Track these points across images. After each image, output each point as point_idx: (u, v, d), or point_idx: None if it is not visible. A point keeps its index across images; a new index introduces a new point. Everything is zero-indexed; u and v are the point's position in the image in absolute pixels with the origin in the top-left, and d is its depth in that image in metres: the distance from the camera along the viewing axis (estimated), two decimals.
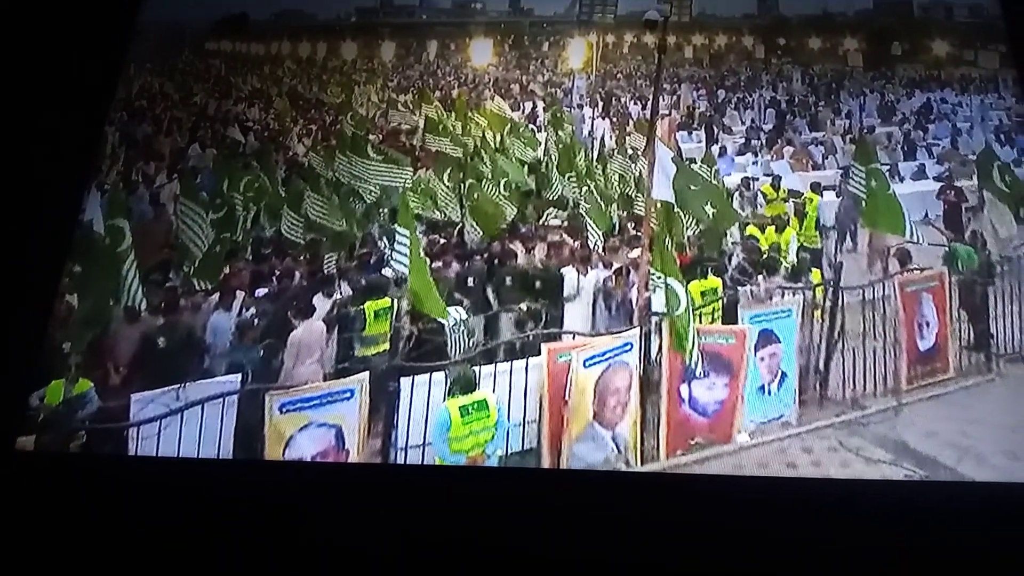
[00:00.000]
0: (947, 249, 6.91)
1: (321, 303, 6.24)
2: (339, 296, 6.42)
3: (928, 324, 6.42)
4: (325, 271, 6.86)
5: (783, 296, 6.33)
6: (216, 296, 6.42)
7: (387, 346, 6.04)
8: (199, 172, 7.78)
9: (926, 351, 6.37)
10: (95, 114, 6.96)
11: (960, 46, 8.86)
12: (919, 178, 8.59)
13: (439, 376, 5.47)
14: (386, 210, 7.58)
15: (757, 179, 8.30)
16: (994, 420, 5.70)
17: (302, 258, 7.07)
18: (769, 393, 6.02)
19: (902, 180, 8.43)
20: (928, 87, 9.29)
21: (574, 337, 6.00)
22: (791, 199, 7.83)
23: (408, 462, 5.36)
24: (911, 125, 9.31)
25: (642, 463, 5.67)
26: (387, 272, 6.44)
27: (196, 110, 8.44)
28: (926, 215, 7.91)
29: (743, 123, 9.66)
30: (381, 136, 8.73)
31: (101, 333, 5.94)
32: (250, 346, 5.90)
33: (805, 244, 7.46)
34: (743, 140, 9.14)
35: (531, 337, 6.00)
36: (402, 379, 5.45)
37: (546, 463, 5.50)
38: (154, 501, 4.46)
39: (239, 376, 5.54)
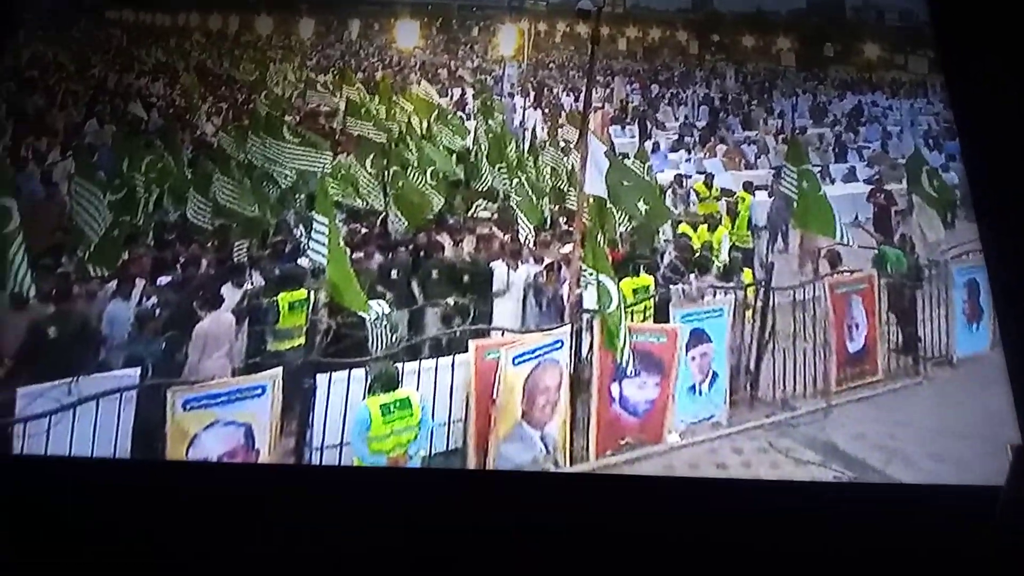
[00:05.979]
0: (877, 252, 6.98)
1: (230, 293, 5.90)
2: (250, 286, 6.10)
3: (857, 326, 6.44)
4: (235, 259, 6.52)
5: (715, 295, 6.28)
6: (114, 284, 6.01)
7: (303, 340, 5.78)
8: (96, 150, 7.33)
9: (855, 353, 6.39)
10: None
11: (891, 50, 9.10)
12: (850, 180, 8.72)
13: (359, 373, 5.19)
14: (303, 196, 7.27)
15: (690, 177, 8.30)
16: (921, 423, 5.77)
17: (209, 245, 6.73)
18: (700, 393, 5.95)
19: (833, 182, 8.55)
20: (859, 90, 9.41)
21: (503, 334, 5.84)
22: (723, 198, 7.85)
23: (324, 463, 5.10)
24: (842, 127, 9.45)
25: (571, 464, 5.54)
26: (303, 262, 6.20)
27: (94, 83, 8.04)
28: (856, 218, 7.99)
29: (676, 119, 9.65)
30: (298, 117, 8.42)
31: None
32: (151, 338, 5.50)
33: (737, 243, 7.46)
34: (676, 137, 9.15)
35: (458, 333, 5.82)
36: (319, 375, 5.16)
37: (472, 464, 5.32)
38: (42, 502, 4.19)
39: (138, 370, 5.19)
